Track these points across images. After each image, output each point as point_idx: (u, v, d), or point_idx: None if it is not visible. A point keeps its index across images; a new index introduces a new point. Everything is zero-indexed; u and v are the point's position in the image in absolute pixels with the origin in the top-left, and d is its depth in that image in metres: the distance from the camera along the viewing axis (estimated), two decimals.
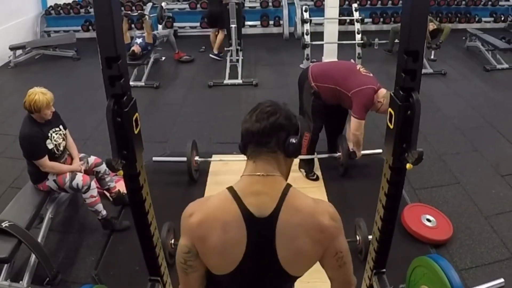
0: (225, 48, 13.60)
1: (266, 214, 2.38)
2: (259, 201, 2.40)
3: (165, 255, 4.61)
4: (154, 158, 7.71)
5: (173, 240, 5.58)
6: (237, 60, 13.17)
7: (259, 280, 2.52)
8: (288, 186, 2.49)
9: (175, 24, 16.57)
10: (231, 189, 2.47)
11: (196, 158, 7.46)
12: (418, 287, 4.23)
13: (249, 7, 16.56)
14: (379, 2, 16.89)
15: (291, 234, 2.39)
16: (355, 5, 13.58)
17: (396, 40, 13.53)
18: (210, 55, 14.24)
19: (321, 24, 13.60)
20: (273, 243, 2.39)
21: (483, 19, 17.46)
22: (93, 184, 6.24)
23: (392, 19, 16.57)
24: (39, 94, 5.66)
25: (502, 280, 4.99)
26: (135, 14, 14.16)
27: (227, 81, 11.98)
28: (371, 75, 7.05)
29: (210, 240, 2.40)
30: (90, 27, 16.35)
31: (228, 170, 7.55)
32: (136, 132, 3.45)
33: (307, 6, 13.40)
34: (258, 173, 2.44)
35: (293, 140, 2.46)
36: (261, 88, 11.92)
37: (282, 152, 2.48)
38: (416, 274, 4.30)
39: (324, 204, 2.55)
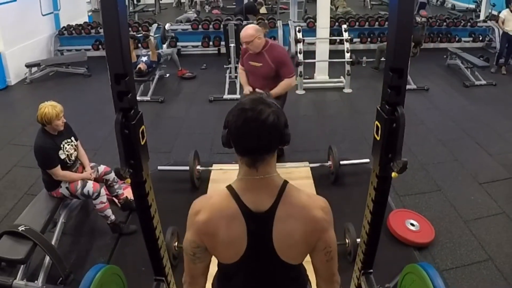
0: (225, 66, 13.61)
1: (264, 209, 2.42)
2: (258, 199, 2.43)
3: (169, 257, 4.62)
4: (159, 167, 7.72)
5: (176, 243, 5.58)
6: (236, 77, 13.07)
7: (262, 267, 2.56)
8: (285, 183, 2.51)
9: (178, 43, 16.53)
10: (230, 187, 2.51)
11: (198, 167, 7.47)
12: None
13: None
14: (367, 23, 16.91)
15: (287, 227, 2.43)
16: (344, 26, 13.78)
17: (382, 58, 13.57)
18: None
19: (313, 43, 13.71)
20: (270, 235, 2.43)
21: (463, 39, 17.49)
22: (103, 191, 6.25)
23: (379, 39, 16.57)
24: (49, 107, 5.70)
25: None
26: (140, 35, 14.16)
27: (226, 96, 11.97)
28: None
29: (217, 236, 2.44)
30: (100, 46, 16.29)
31: (227, 178, 7.40)
32: (142, 143, 3.48)
33: (300, 27, 13.53)
34: (257, 177, 2.44)
35: (288, 131, 2.45)
36: None
37: (279, 145, 2.47)
38: (406, 280, 4.30)
39: (318, 199, 2.58)
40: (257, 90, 7.04)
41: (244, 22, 14.45)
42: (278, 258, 2.48)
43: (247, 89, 7.18)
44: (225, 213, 2.43)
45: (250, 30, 6.84)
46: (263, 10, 23.94)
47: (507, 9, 14.13)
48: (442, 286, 3.76)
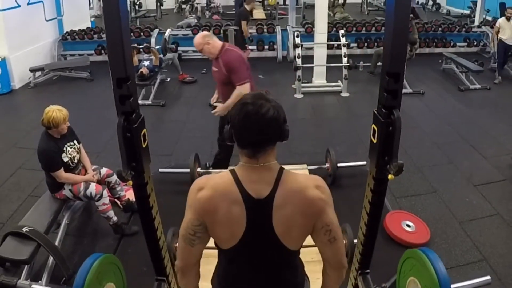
0: None
1: (263, 196, 2.46)
2: (258, 186, 2.47)
3: (170, 257, 4.62)
4: (161, 170, 7.74)
5: (177, 244, 5.58)
6: None
7: (261, 252, 2.59)
8: (282, 169, 2.55)
9: (179, 48, 16.57)
10: (233, 172, 2.54)
11: (198, 169, 7.45)
12: (407, 279, 4.22)
13: None
14: (364, 28, 16.94)
15: (285, 211, 2.46)
16: (342, 31, 13.80)
17: (379, 63, 13.57)
18: None
19: (311, 48, 13.70)
20: (270, 220, 2.47)
21: (458, 44, 17.52)
22: (105, 193, 6.27)
23: (376, 44, 16.60)
24: (56, 111, 5.71)
25: (489, 277, 4.98)
26: (141, 46, 14.16)
27: None
28: None
29: (218, 213, 2.47)
30: (103, 51, 16.32)
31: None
32: (144, 146, 3.49)
33: (298, 32, 13.64)
34: (257, 164, 2.49)
35: (287, 127, 2.51)
36: None
37: (279, 140, 2.51)
38: (406, 265, 4.29)
39: (314, 177, 2.63)
40: (212, 103, 7.04)
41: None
42: (278, 241, 2.52)
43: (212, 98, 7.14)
44: (227, 195, 2.48)
45: (197, 39, 6.66)
46: (260, 14, 23.98)
47: (503, 18, 14.04)
48: (443, 269, 3.75)
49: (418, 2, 26.83)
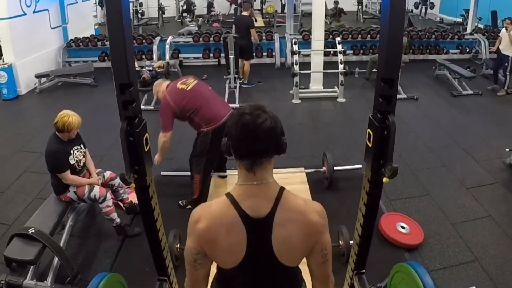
0: (224, 76, 13.67)
1: (263, 215, 2.42)
2: (256, 205, 2.44)
3: (172, 258, 4.63)
4: (162, 173, 7.77)
5: (178, 245, 5.59)
6: (235, 87, 13.24)
7: (261, 271, 2.56)
8: (282, 189, 2.52)
9: (180, 55, 16.59)
10: (229, 195, 2.51)
11: None
12: None
13: None
14: (360, 36, 16.96)
15: (286, 231, 2.44)
16: (338, 39, 13.84)
17: (374, 70, 13.59)
18: (243, 86, 14.16)
19: (309, 55, 13.73)
20: (269, 239, 2.44)
21: (451, 51, 17.53)
22: (109, 195, 6.28)
23: (371, 50, 16.60)
24: (72, 116, 5.79)
25: None
26: (148, 63, 14.16)
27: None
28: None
29: (217, 242, 2.44)
30: (106, 58, 16.33)
31: (226, 183, 7.62)
32: (146, 150, 3.50)
33: (296, 40, 13.59)
34: (255, 182, 2.45)
35: (285, 140, 2.48)
36: None
37: (276, 153, 2.49)
38: (396, 278, 4.32)
39: (313, 204, 2.59)
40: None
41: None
42: (277, 261, 2.49)
43: None
44: (224, 220, 2.44)
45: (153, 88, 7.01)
46: (259, 21, 24.01)
47: (504, 28, 13.87)
48: (431, 283, 3.78)
49: (412, 10, 26.86)
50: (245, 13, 14.63)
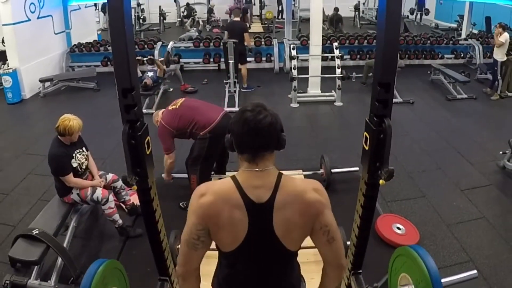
0: (224, 81, 13.66)
1: (264, 200, 2.48)
2: (258, 191, 2.49)
3: (173, 259, 4.62)
4: (164, 175, 7.77)
5: (179, 246, 5.58)
6: (235, 91, 13.25)
7: (262, 254, 2.60)
8: (280, 174, 2.57)
9: (181, 60, 16.60)
10: (234, 178, 2.56)
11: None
12: (398, 275, 4.22)
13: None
14: (356, 41, 16.99)
15: (285, 213, 2.49)
16: (335, 44, 13.83)
17: (370, 74, 13.60)
18: (242, 90, 14.16)
19: (307, 60, 13.73)
20: (271, 223, 2.49)
21: (446, 56, 17.53)
22: (111, 197, 6.28)
23: (368, 55, 16.59)
24: (73, 120, 5.81)
25: (475, 271, 4.98)
26: (146, 58, 14.15)
27: (226, 108, 11.87)
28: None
29: (221, 218, 2.48)
30: (109, 63, 16.32)
31: None
32: (148, 152, 3.51)
33: (294, 45, 13.61)
34: (257, 169, 2.51)
35: (284, 135, 2.56)
36: None
37: (276, 148, 2.55)
38: (397, 263, 4.28)
39: (311, 182, 2.65)
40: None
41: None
42: (279, 243, 2.54)
43: None
44: (228, 199, 2.49)
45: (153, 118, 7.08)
46: (258, 27, 24.01)
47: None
48: (433, 263, 3.74)
49: (407, 16, 26.89)
50: (237, 19, 14.71)
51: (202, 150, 6.63)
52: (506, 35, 12.96)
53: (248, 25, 15.36)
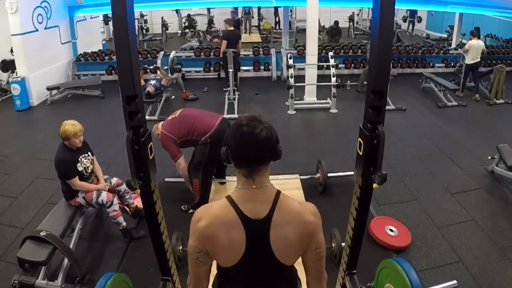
0: (224, 89, 13.73)
1: (261, 217, 2.45)
2: (255, 207, 2.47)
3: (175, 259, 4.63)
4: (166, 179, 7.82)
5: (181, 247, 5.59)
6: (234, 98, 13.27)
7: (259, 268, 2.58)
8: (278, 192, 2.55)
9: (183, 68, 16.59)
10: (228, 197, 2.54)
11: None
12: (383, 285, 4.26)
13: (244, 55, 16.64)
14: (351, 51, 17.04)
15: (282, 231, 2.47)
16: (331, 53, 13.85)
17: (365, 83, 13.62)
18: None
19: (303, 68, 13.75)
20: (268, 239, 2.47)
21: (436, 64, 17.60)
22: (115, 200, 6.30)
23: (361, 64, 16.64)
24: (69, 125, 5.82)
25: (455, 281, 5.01)
26: (151, 67, 14.16)
27: (225, 115, 11.91)
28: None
29: (217, 240, 2.46)
30: (113, 71, 16.37)
31: (226, 188, 7.62)
32: (150, 157, 3.51)
33: (291, 54, 13.63)
34: (254, 186, 2.48)
35: (280, 147, 2.52)
36: None
37: (272, 160, 2.53)
38: (382, 274, 4.34)
39: (308, 205, 2.62)
40: None
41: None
42: (275, 259, 2.52)
43: None
44: (224, 220, 2.46)
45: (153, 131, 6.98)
46: (256, 37, 24.02)
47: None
48: (416, 277, 3.80)
49: (400, 26, 26.94)
50: (231, 28, 14.86)
51: (203, 156, 6.66)
52: (470, 42, 14.16)
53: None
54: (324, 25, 21.59)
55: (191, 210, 7.00)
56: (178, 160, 6.80)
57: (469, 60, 14.16)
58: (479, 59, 14.16)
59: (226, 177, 7.72)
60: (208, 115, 6.98)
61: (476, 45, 14.05)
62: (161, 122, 7.04)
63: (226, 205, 2.51)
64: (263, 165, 2.48)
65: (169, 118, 6.93)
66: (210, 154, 6.62)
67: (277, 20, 28.98)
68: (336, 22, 21.72)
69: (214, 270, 2.72)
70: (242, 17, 27.78)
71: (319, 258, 2.63)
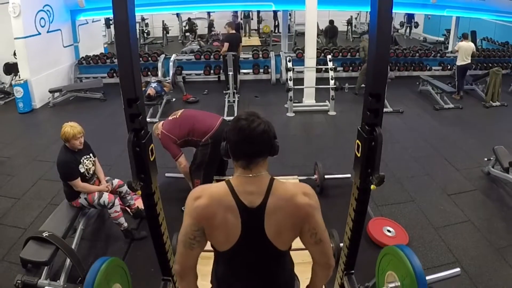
0: (224, 91, 13.77)
1: (256, 205, 2.50)
2: (251, 196, 2.51)
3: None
4: (167, 174, 7.96)
5: (177, 250, 5.59)
6: (234, 101, 13.30)
7: (255, 253, 2.62)
8: (272, 179, 2.59)
9: (183, 71, 16.64)
10: (228, 183, 2.57)
11: None
12: (385, 273, 4.24)
13: (244, 58, 16.66)
14: (349, 54, 17.12)
15: (276, 217, 2.51)
16: (329, 57, 13.90)
17: (363, 85, 13.65)
18: None
19: (302, 71, 13.74)
20: (262, 226, 2.51)
21: (433, 67, 17.63)
22: (117, 201, 6.30)
23: (359, 68, 16.61)
24: (68, 127, 5.84)
25: (458, 269, 5.00)
26: (154, 80, 14.13)
27: (225, 117, 11.89)
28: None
29: (215, 219, 2.50)
30: (115, 74, 16.36)
31: None
32: (151, 159, 3.53)
33: (290, 57, 13.70)
34: (250, 175, 2.53)
35: (277, 142, 2.58)
36: None
37: (269, 154, 2.57)
38: (383, 262, 4.30)
39: (301, 185, 2.65)
40: None
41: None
42: (270, 244, 2.55)
43: None
44: (223, 203, 2.50)
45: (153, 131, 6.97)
46: (255, 41, 24.01)
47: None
48: (418, 261, 3.77)
49: (398, 30, 26.96)
50: (233, 31, 14.91)
51: (204, 156, 6.70)
52: (459, 44, 14.68)
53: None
54: (322, 29, 21.57)
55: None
56: (179, 159, 6.83)
57: (459, 61, 14.47)
58: (469, 61, 14.32)
59: (225, 177, 7.69)
60: (209, 116, 7.02)
61: (466, 46, 14.31)
62: (161, 122, 7.07)
63: (224, 189, 2.55)
64: (260, 158, 2.53)
65: (170, 118, 6.95)
66: (211, 154, 6.66)
67: (276, 23, 29.04)
68: (332, 21, 21.67)
69: (208, 273, 2.73)
70: (241, 19, 27.87)
71: (317, 241, 2.64)
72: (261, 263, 2.68)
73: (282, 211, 2.51)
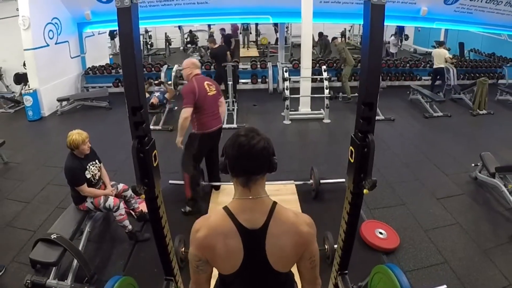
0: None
1: (257, 227, 2.45)
2: (252, 218, 2.46)
3: (177, 260, 4.65)
4: (170, 181, 7.91)
5: (183, 249, 5.60)
6: (233, 109, 13.32)
7: (256, 276, 2.57)
8: (274, 203, 2.54)
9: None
10: (226, 208, 2.53)
11: (202, 182, 7.53)
12: None
13: (242, 68, 16.72)
14: (343, 64, 16.98)
15: (278, 241, 2.46)
16: (324, 67, 13.93)
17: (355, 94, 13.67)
18: None
19: (298, 81, 13.75)
20: (263, 248, 2.46)
21: (423, 77, 17.61)
22: (122, 205, 6.31)
23: (353, 78, 16.63)
24: (76, 134, 5.85)
25: (445, 286, 5.04)
26: (156, 82, 14.17)
27: (225, 125, 11.89)
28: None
29: (216, 250, 2.46)
30: (120, 84, 16.40)
31: (224, 191, 7.64)
32: (155, 165, 3.54)
33: (287, 68, 13.70)
34: (250, 197, 2.48)
35: (276, 159, 2.53)
36: None
37: (268, 171, 2.53)
38: (375, 279, 4.35)
39: (303, 216, 2.60)
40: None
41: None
42: (270, 267, 2.51)
43: None
44: (221, 230, 2.46)
45: (187, 61, 6.92)
46: (253, 52, 24.00)
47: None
48: (406, 282, 3.82)
49: (389, 42, 27.00)
50: (216, 45, 15.84)
51: (191, 145, 6.95)
52: (433, 50, 16.55)
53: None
54: (317, 41, 21.59)
55: (188, 208, 7.07)
56: (188, 109, 6.54)
57: (435, 65, 15.82)
58: (442, 65, 15.58)
59: (224, 183, 7.75)
60: (216, 117, 7.02)
61: (438, 53, 15.71)
62: (198, 70, 6.92)
63: (223, 216, 2.50)
64: (259, 175, 2.48)
65: (205, 84, 6.81)
66: (198, 146, 6.92)
67: (277, 36, 29.12)
68: (320, 34, 21.67)
69: (215, 272, 2.74)
70: (240, 33, 27.91)
71: (313, 266, 2.64)
72: (262, 284, 2.64)
73: (285, 237, 2.48)
